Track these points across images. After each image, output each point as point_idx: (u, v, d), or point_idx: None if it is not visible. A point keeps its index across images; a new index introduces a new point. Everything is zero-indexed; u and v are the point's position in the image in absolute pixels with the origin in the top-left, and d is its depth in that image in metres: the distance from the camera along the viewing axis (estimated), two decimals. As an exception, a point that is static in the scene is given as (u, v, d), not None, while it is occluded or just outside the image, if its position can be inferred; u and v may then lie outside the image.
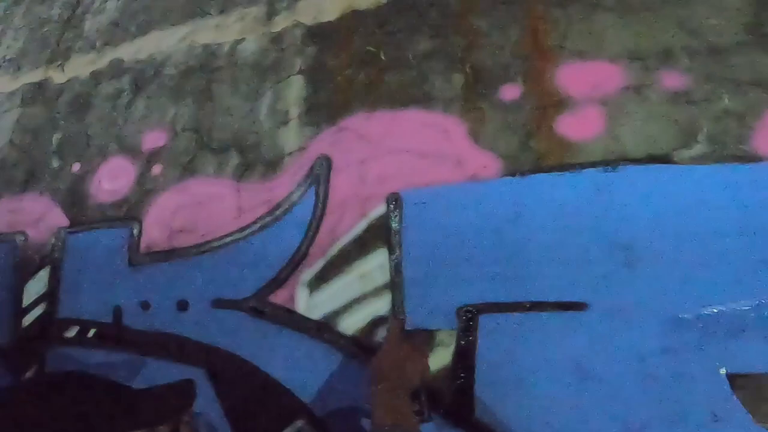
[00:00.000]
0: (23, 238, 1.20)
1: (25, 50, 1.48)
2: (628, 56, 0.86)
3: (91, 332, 1.04)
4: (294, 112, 1.03)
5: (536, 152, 0.84)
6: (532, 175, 0.82)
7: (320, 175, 0.95)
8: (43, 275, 1.16)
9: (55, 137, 1.30)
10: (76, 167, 1.22)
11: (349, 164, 0.94)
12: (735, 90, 0.79)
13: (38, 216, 1.21)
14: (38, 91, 1.40)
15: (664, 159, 0.79)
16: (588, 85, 0.86)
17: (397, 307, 0.83)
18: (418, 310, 0.84)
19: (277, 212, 0.95)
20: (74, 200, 1.19)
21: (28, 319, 1.15)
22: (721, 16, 0.85)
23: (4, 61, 1.50)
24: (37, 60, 1.46)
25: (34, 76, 1.44)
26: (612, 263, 0.77)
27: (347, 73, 1.01)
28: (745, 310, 0.71)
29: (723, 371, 0.74)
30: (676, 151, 0.79)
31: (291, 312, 0.90)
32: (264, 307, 0.92)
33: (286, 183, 0.97)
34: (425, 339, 0.79)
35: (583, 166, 0.81)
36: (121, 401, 0.68)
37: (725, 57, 0.82)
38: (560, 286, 0.77)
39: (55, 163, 1.27)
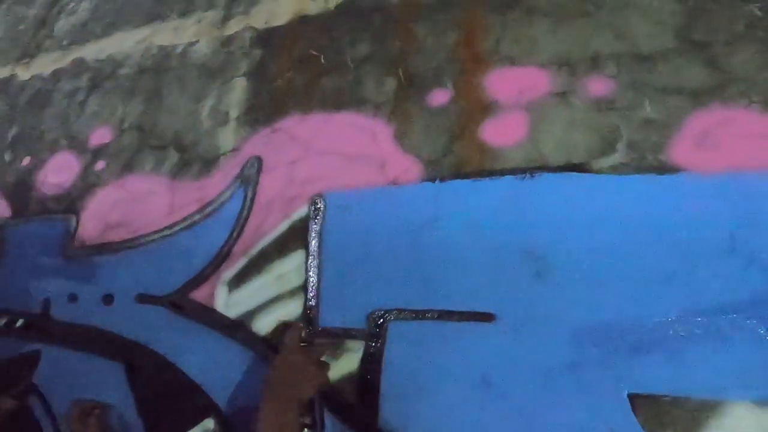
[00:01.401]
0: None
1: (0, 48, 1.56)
2: (557, 62, 0.87)
3: (20, 322, 1.06)
4: (234, 113, 1.06)
5: (458, 157, 0.85)
6: (452, 181, 0.82)
7: (250, 175, 0.97)
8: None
9: (11, 132, 1.35)
10: (26, 161, 1.27)
11: (279, 165, 0.96)
12: (658, 97, 0.80)
13: (-14, 207, 1.26)
14: (3, 86, 1.47)
15: (583, 167, 0.78)
16: (515, 91, 0.87)
17: (308, 309, 0.83)
18: (333, 312, 0.84)
19: (207, 210, 0.97)
20: (19, 193, 1.23)
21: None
22: (652, 22, 0.86)
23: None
24: (7, 57, 1.53)
25: (2, 72, 1.51)
26: (523, 273, 0.76)
27: (287, 75, 1.04)
28: (649, 328, 0.70)
29: (625, 391, 0.73)
30: (594, 159, 0.79)
31: (209, 310, 0.91)
32: (184, 304, 0.93)
33: (219, 182, 0.99)
34: (324, 350, 0.78)
35: (502, 172, 0.81)
36: None
37: (652, 64, 0.83)
38: (470, 295, 0.77)
39: (8, 157, 1.31)
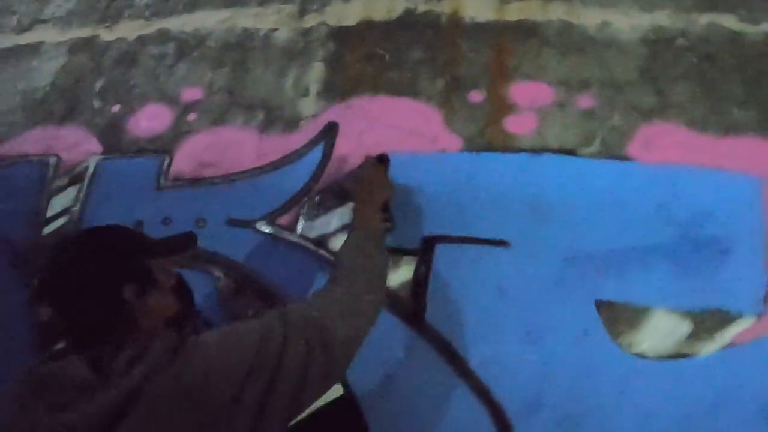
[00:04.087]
0: (56, 160, 1.46)
1: (75, 11, 1.78)
2: (559, 82, 1.30)
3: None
4: (313, 88, 1.40)
5: (488, 139, 1.26)
6: (483, 153, 1.23)
7: (328, 136, 1.31)
8: (71, 192, 1.41)
9: (98, 83, 1.59)
10: (115, 108, 1.52)
11: (351, 133, 1.32)
12: (623, 112, 1.24)
13: (73, 143, 1.49)
14: (85, 45, 1.69)
15: (572, 152, 1.22)
16: (529, 99, 1.28)
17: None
18: (396, 236, 1.21)
19: (291, 157, 1.30)
20: (111, 133, 1.48)
21: (48, 229, 1.40)
22: (625, 60, 1.30)
23: (53, 18, 1.79)
24: (85, 21, 1.75)
25: (82, 32, 1.73)
26: (529, 217, 1.17)
27: (358, 66, 1.40)
28: (608, 257, 1.12)
29: (593, 300, 1.13)
30: (579, 148, 1.22)
31: (292, 232, 1.23)
32: (272, 228, 1.25)
33: (301, 139, 1.33)
34: (388, 168, 1.18)
35: (518, 151, 1.23)
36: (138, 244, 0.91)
37: (623, 88, 1.27)
38: (493, 229, 1.17)
39: (96, 104, 1.55)
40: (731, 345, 1.12)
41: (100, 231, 0.88)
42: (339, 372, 0.90)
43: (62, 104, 1.57)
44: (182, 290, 0.92)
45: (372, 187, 1.11)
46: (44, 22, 1.80)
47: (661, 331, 1.14)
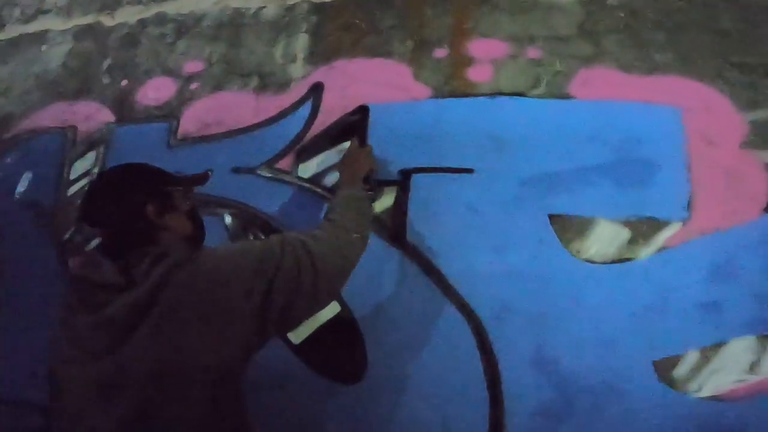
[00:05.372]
0: (74, 131, 1.65)
1: (75, 1, 1.98)
2: (510, 37, 1.54)
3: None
4: (300, 55, 1.62)
5: (453, 87, 1.50)
6: (449, 98, 1.47)
7: (315, 93, 1.53)
8: (91, 156, 1.62)
9: (105, 63, 1.80)
10: (124, 83, 1.72)
11: (335, 89, 1.56)
12: (564, 60, 1.48)
13: (88, 115, 1.69)
14: (89, 30, 1.90)
15: (522, 94, 1.46)
16: (486, 53, 1.52)
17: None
18: (382, 167, 1.43)
19: (285, 113, 1.51)
20: (122, 105, 1.68)
21: (72, 190, 1.59)
22: (565, 17, 1.54)
23: (54, 8, 1.98)
24: (87, 9, 1.96)
25: (85, 20, 1.93)
26: (489, 146, 1.40)
27: (338, 34, 1.64)
28: (560, 177, 1.36)
29: (546, 214, 1.36)
30: (528, 90, 1.47)
31: (289, 174, 1.44)
32: (272, 172, 1.46)
33: (292, 97, 1.56)
34: (371, 151, 1.38)
35: (477, 95, 1.47)
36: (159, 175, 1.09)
37: (564, 41, 1.51)
38: (459, 158, 1.40)
39: (105, 80, 1.76)
40: (664, 248, 1.37)
41: (128, 166, 1.09)
42: (329, 288, 1.05)
43: (74, 83, 1.78)
44: (196, 217, 1.12)
45: (354, 163, 1.31)
46: (46, 12, 2.00)
47: (604, 238, 1.38)
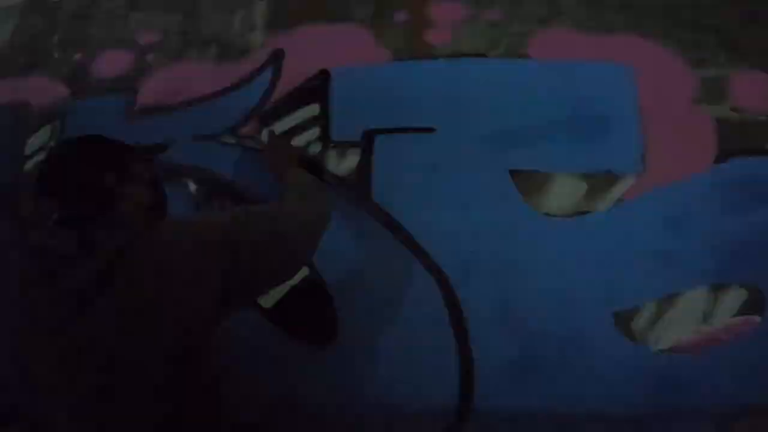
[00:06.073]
0: (26, 106, 1.59)
1: None
2: (470, 1, 1.54)
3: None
4: (259, 23, 1.61)
5: (413, 50, 1.51)
6: (410, 62, 1.49)
7: (276, 60, 1.53)
8: (46, 130, 1.57)
9: (56, 37, 1.74)
10: (77, 56, 1.67)
11: (297, 54, 1.55)
12: (522, 21, 1.51)
13: (41, 89, 1.63)
14: (35, 6, 1.82)
15: (481, 56, 1.49)
16: (445, 15, 1.54)
17: (324, 129, 1.45)
18: (341, 131, 1.46)
19: (245, 80, 1.50)
20: (76, 78, 1.63)
21: (28, 165, 1.54)
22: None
23: (-1, -16, 1.90)
24: None
25: None
26: (448, 108, 1.43)
27: (297, 1, 1.62)
28: (519, 133, 1.40)
29: (507, 169, 1.41)
30: (488, 51, 1.49)
31: (253, 138, 1.45)
32: (236, 139, 1.46)
33: (253, 64, 1.55)
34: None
35: (437, 57, 1.49)
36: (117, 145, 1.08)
37: (521, 3, 1.53)
38: (419, 118, 1.43)
39: (57, 54, 1.70)
40: (620, 201, 1.43)
41: (84, 137, 1.06)
42: (294, 260, 1.10)
43: (23, 57, 1.72)
44: (159, 186, 1.11)
45: (276, 164, 1.33)
46: (-13, -10, 1.91)
47: (563, 192, 1.43)
